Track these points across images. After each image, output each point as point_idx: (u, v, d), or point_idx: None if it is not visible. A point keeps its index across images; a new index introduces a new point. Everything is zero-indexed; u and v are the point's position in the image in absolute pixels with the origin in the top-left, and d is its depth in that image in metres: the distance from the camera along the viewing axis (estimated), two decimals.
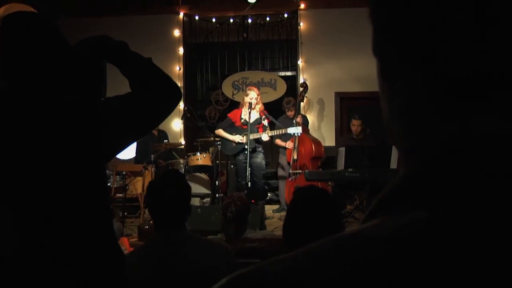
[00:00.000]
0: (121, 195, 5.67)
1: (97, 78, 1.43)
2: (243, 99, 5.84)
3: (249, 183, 5.42)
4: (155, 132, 6.69)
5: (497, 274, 0.27)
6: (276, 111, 6.45)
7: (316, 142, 6.02)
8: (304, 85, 6.43)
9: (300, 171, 5.76)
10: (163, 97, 1.44)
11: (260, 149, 5.87)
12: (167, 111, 1.46)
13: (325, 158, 6.26)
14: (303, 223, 1.67)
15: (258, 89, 6.36)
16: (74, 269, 1.25)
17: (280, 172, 6.52)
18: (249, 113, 5.63)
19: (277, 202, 7.05)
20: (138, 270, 1.80)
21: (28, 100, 1.28)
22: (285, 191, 6.12)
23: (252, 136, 5.58)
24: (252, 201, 5.15)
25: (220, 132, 5.97)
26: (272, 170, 7.48)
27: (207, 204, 6.24)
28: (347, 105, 7.88)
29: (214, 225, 4.26)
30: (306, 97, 6.68)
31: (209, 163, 6.33)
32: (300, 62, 7.93)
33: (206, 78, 9.01)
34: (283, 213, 5.01)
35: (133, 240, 4.71)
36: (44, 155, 1.25)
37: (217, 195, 6.19)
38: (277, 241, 2.54)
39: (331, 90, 7.85)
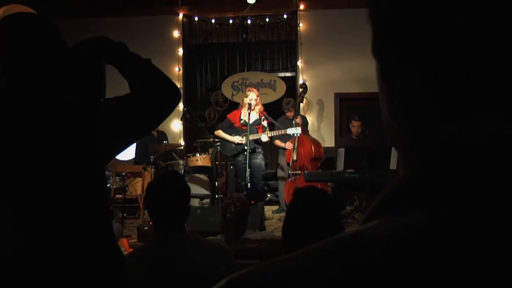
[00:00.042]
0: (121, 196, 5.67)
1: (97, 79, 1.44)
2: (243, 100, 5.84)
3: (249, 184, 5.42)
4: (154, 133, 6.69)
5: (496, 274, 0.27)
6: (275, 112, 6.45)
7: (316, 143, 6.02)
8: (304, 86, 6.43)
9: (300, 172, 5.76)
10: (162, 98, 1.44)
11: (260, 150, 5.87)
12: (166, 112, 1.46)
13: (325, 159, 6.26)
14: (303, 224, 1.67)
15: (258, 90, 6.35)
16: (74, 270, 1.25)
17: (280, 173, 6.52)
18: (249, 114, 5.63)
19: (276, 203, 7.05)
20: (138, 271, 1.80)
21: (28, 101, 1.28)
22: (284, 192, 6.12)
23: (251, 137, 5.57)
24: (252, 202, 5.15)
25: (220, 133, 5.97)
26: (271, 171, 7.48)
27: (207, 205, 6.24)
28: (347, 106, 7.89)
29: (213, 226, 4.26)
30: (306, 98, 6.68)
31: (209, 164, 6.33)
32: (299, 63, 7.94)
33: (205, 79, 9.00)
34: (283, 214, 5.02)
35: (133, 241, 4.71)
36: (43, 156, 1.25)
37: (216, 196, 6.19)
38: (276, 242, 2.54)
39: (331, 91, 7.86)
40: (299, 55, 7.94)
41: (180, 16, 8.18)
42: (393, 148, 4.68)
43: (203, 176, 6.53)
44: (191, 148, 7.38)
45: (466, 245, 0.28)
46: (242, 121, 5.79)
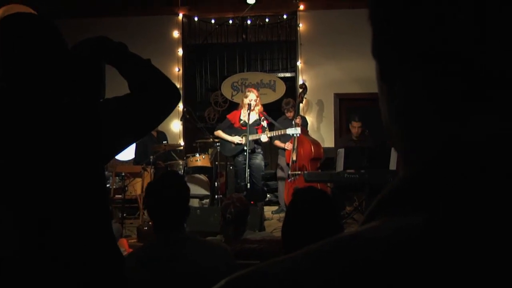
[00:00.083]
0: (120, 196, 5.67)
1: (96, 79, 1.44)
2: (242, 100, 5.84)
3: (248, 184, 5.42)
4: (154, 133, 6.69)
5: (496, 275, 0.27)
6: (275, 112, 6.45)
7: (315, 143, 6.02)
8: (303, 86, 6.43)
9: (299, 172, 5.76)
10: (162, 98, 1.45)
11: (259, 150, 5.87)
12: (166, 112, 1.46)
13: (324, 159, 6.26)
14: (302, 225, 1.67)
15: (257, 90, 6.36)
16: (73, 270, 1.25)
17: (279, 173, 6.52)
18: (248, 114, 5.63)
19: (276, 203, 7.05)
20: (137, 271, 1.80)
21: (28, 101, 1.28)
22: (284, 192, 6.12)
23: (251, 137, 5.58)
24: (251, 202, 5.15)
25: (219, 133, 5.97)
26: (271, 171, 7.48)
27: (206, 205, 6.24)
28: (346, 106, 7.89)
29: (213, 226, 4.26)
30: (306, 98, 6.68)
31: (208, 164, 6.33)
32: (299, 63, 7.94)
33: (205, 79, 9.00)
34: (282, 214, 5.01)
35: (132, 241, 4.71)
36: (43, 156, 1.25)
37: (216, 196, 6.19)
38: (276, 242, 2.54)
39: (330, 91, 7.86)
40: (299, 56, 7.94)
41: (180, 16, 8.18)
42: (392, 149, 4.68)
43: (202, 177, 6.53)
44: (191, 148, 7.38)
45: (466, 246, 0.28)
46: (241, 122, 5.79)
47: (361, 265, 0.30)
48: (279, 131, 5.65)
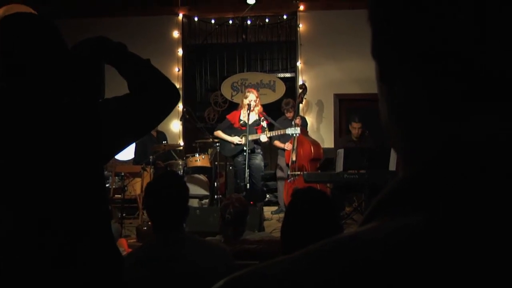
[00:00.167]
0: (120, 196, 5.67)
1: (96, 79, 1.44)
2: (242, 101, 5.84)
3: (248, 184, 5.42)
4: (154, 133, 6.69)
5: (495, 275, 0.27)
6: (275, 113, 6.45)
7: (315, 144, 6.02)
8: (303, 87, 6.43)
9: (299, 172, 5.76)
10: (162, 98, 1.45)
11: (259, 150, 5.87)
12: (165, 112, 1.47)
13: (324, 159, 6.25)
14: (302, 225, 1.67)
15: (257, 90, 6.36)
16: (73, 270, 1.25)
17: (279, 174, 6.52)
18: (248, 114, 5.63)
19: (275, 203, 7.05)
20: (136, 271, 1.80)
21: (28, 101, 1.28)
22: (283, 192, 6.12)
23: (250, 137, 5.58)
24: (251, 202, 5.15)
25: (219, 133, 5.97)
26: (271, 172, 7.47)
27: (206, 206, 6.24)
28: (346, 106, 7.89)
29: (212, 227, 4.26)
30: (305, 98, 6.68)
31: (208, 165, 6.33)
32: (299, 64, 7.94)
33: (205, 80, 9.00)
34: (282, 215, 5.01)
35: (132, 241, 4.70)
36: (43, 156, 1.25)
37: (215, 196, 6.19)
38: (275, 243, 2.54)
39: (330, 91, 7.86)
40: (299, 56, 7.94)
41: (180, 16, 8.18)
42: (392, 149, 4.67)
43: (202, 177, 6.53)
44: (191, 148, 7.38)
45: (466, 246, 0.28)
46: (241, 122, 5.79)
47: (361, 265, 0.29)
48: (279, 131, 5.65)
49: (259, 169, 5.83)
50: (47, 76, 1.32)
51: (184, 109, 6.92)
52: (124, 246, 3.69)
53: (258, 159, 5.82)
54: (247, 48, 8.75)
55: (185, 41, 8.32)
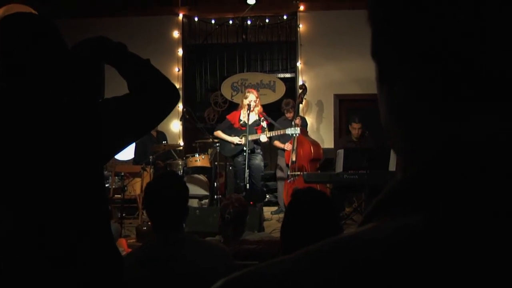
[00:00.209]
0: (120, 196, 5.67)
1: (96, 79, 1.44)
2: (242, 101, 5.84)
3: (248, 184, 5.42)
4: (153, 133, 6.69)
5: (495, 275, 0.27)
6: (275, 113, 6.45)
7: (315, 144, 6.02)
8: (303, 87, 6.43)
9: (299, 173, 5.76)
10: (161, 98, 1.45)
11: (259, 150, 5.87)
12: (165, 112, 1.47)
13: (324, 160, 6.25)
14: (301, 225, 1.67)
15: (257, 90, 6.36)
16: (72, 270, 1.25)
17: (279, 174, 6.52)
18: (248, 115, 5.63)
19: (275, 203, 7.05)
20: (136, 271, 1.80)
21: (28, 101, 1.28)
22: (283, 193, 6.12)
23: (250, 137, 5.58)
24: (251, 202, 5.15)
25: (219, 133, 5.97)
26: (270, 172, 7.47)
27: (205, 206, 6.24)
28: (346, 107, 7.89)
29: (212, 227, 4.26)
30: (305, 99, 6.68)
31: (208, 165, 6.33)
32: (299, 64, 7.94)
33: (205, 80, 9.00)
34: (282, 215, 5.01)
35: (131, 241, 4.70)
36: (43, 156, 1.25)
37: (215, 196, 6.19)
38: (275, 243, 2.54)
39: (330, 92, 7.86)
40: (299, 56, 7.94)
41: (180, 16, 8.18)
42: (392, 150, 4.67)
43: (202, 177, 6.53)
44: (190, 148, 7.38)
45: (466, 245, 0.28)
46: (241, 122, 5.79)
47: (361, 265, 0.29)
48: (278, 131, 5.65)
49: (259, 169, 5.83)
50: (47, 76, 1.32)
51: (184, 109, 6.92)
52: (123, 246, 3.69)
53: (258, 159, 5.82)
54: (247, 48, 8.74)
55: (185, 41, 8.32)
